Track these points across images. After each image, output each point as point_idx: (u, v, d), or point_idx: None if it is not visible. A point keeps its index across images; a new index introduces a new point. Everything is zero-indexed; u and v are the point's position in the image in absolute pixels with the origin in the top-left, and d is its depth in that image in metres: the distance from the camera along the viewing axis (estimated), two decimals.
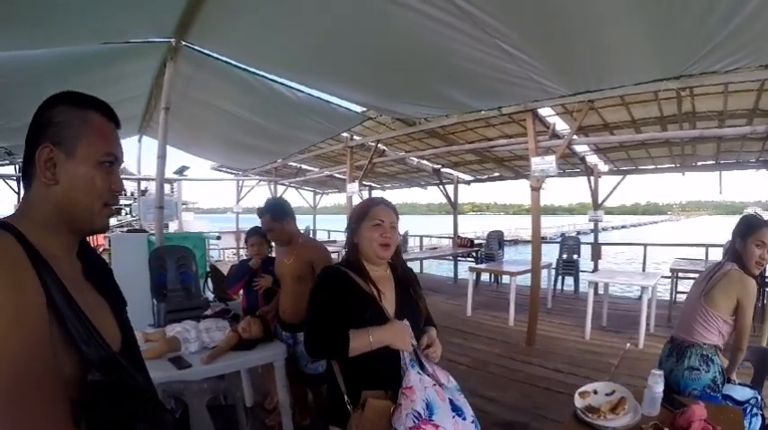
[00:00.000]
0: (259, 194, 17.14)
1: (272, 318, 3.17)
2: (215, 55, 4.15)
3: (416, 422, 1.48)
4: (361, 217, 1.88)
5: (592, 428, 1.75)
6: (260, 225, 3.27)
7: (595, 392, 2.06)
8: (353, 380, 1.71)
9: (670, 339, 2.56)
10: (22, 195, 1.01)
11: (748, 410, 2.25)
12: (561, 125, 6.97)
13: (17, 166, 11.42)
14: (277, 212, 3.06)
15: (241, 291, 3.67)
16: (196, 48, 3.94)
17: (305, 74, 4.38)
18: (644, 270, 9.25)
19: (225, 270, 5.15)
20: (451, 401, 1.65)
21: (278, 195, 13.91)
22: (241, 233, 15.17)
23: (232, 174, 13.51)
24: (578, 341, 5.69)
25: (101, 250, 17.55)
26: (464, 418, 1.63)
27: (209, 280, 5.21)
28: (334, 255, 11.40)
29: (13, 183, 11.48)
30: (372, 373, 1.68)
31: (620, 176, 10.15)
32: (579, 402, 1.98)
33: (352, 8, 2.78)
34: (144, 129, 7.70)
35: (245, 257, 4.09)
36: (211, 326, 2.88)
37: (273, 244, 3.44)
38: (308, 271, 2.92)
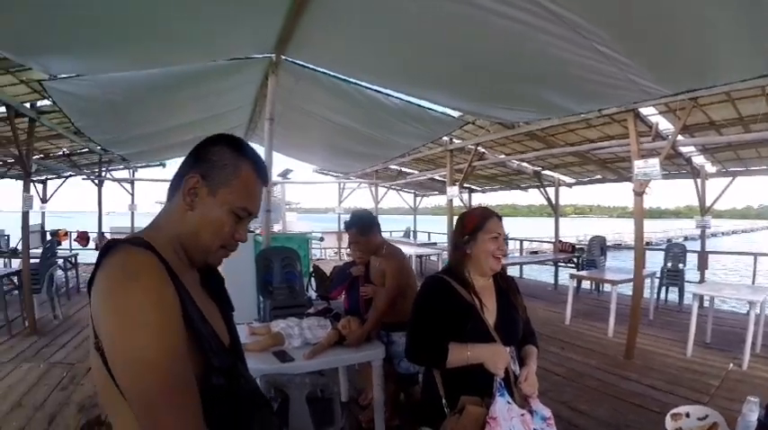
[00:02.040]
0: (361, 196, 17.65)
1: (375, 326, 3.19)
2: (312, 66, 4.35)
3: None
4: (477, 228, 1.91)
5: None
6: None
7: (687, 415, 1.99)
8: (452, 385, 1.78)
9: None
10: (164, 205, 1.10)
11: None
12: (664, 124, 6.63)
13: (131, 171, 12.75)
14: (363, 227, 3.22)
15: (343, 293, 3.83)
16: (295, 61, 4.16)
17: (401, 82, 4.51)
18: (753, 282, 8.62)
19: (327, 269, 5.36)
20: None
21: (378, 197, 14.27)
22: (343, 234, 15.78)
23: (333, 176, 14.03)
24: (679, 358, 5.40)
25: None
26: None
27: (313, 279, 5.43)
28: (433, 257, 11.57)
29: (128, 186, 12.76)
30: (470, 381, 1.74)
31: (730, 178, 9.40)
32: (670, 424, 1.93)
33: (447, 17, 2.83)
34: (249, 136, 8.19)
35: (346, 258, 4.26)
36: (314, 323, 3.02)
37: None
38: (383, 281, 3.11)
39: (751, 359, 5.03)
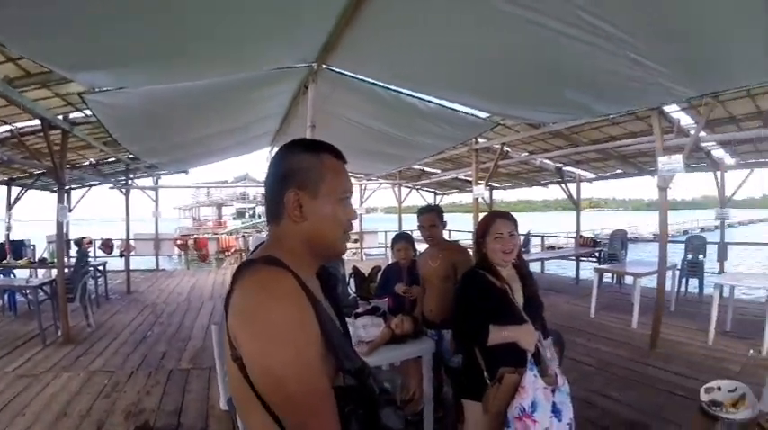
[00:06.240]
0: (382, 196, 17.83)
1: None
2: (351, 74, 4.44)
3: (520, 414, 1.96)
4: (484, 233, 2.33)
5: (715, 420, 1.96)
6: (409, 229, 3.66)
7: (719, 388, 2.25)
8: (491, 360, 2.15)
9: None
10: (269, 230, 1.17)
11: None
12: (686, 120, 6.79)
13: (155, 178, 12.86)
14: (441, 214, 3.52)
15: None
16: (335, 69, 4.25)
17: (441, 89, 4.61)
18: None
19: (365, 270, 5.58)
20: (555, 404, 2.06)
21: (401, 197, 14.43)
22: (364, 234, 16.03)
23: (355, 177, 13.93)
24: (701, 346, 5.61)
25: (232, 250, 19.21)
26: (560, 420, 2.05)
27: (352, 280, 5.58)
28: None
29: (152, 193, 12.95)
30: (506, 355, 2.12)
31: (748, 170, 9.51)
32: (705, 396, 2.19)
33: (485, 26, 2.96)
34: (276, 141, 8.24)
35: (391, 260, 4.44)
36: (368, 322, 3.16)
37: (415, 250, 3.94)
38: (452, 271, 3.25)
39: None
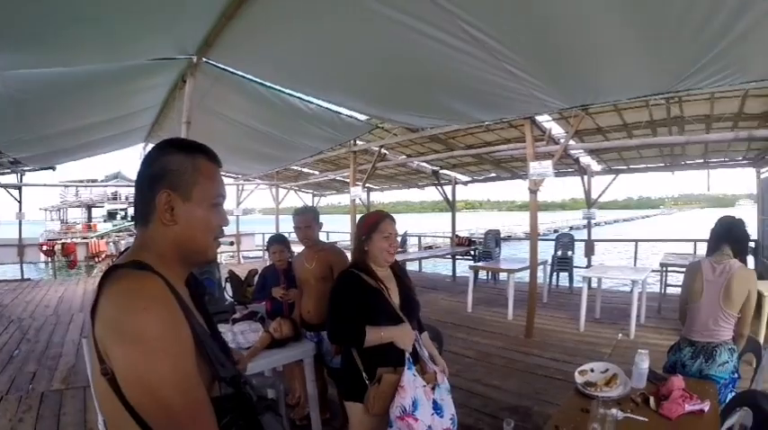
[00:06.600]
0: (259, 197, 17.35)
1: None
2: (231, 69, 4.30)
3: (402, 414, 1.97)
4: (372, 229, 2.29)
5: (590, 399, 2.08)
6: (280, 234, 3.61)
7: (592, 370, 2.47)
8: (369, 361, 2.15)
9: (689, 342, 2.73)
10: (137, 233, 1.10)
11: (729, 386, 2.58)
12: (557, 129, 7.31)
13: (18, 175, 11.54)
14: (317, 215, 3.47)
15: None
16: (216, 64, 4.10)
17: (322, 89, 4.58)
18: (635, 264, 9.71)
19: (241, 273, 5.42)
20: (435, 401, 2.13)
21: (278, 198, 14.22)
22: (242, 236, 15.54)
23: (232, 177, 13.53)
24: (574, 333, 6.08)
25: (103, 256, 17.82)
26: (442, 417, 2.12)
27: (228, 284, 5.44)
28: None
29: (15, 193, 11.65)
30: (383, 356, 2.13)
31: (613, 176, 10.53)
32: (579, 379, 2.37)
33: (368, 31, 3.01)
34: (151, 137, 7.74)
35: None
36: (246, 328, 3.11)
37: (291, 252, 3.89)
38: (328, 272, 3.24)
39: (636, 329, 5.85)
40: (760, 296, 4.20)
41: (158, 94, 5.30)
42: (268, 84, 4.56)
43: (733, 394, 2.53)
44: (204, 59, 3.93)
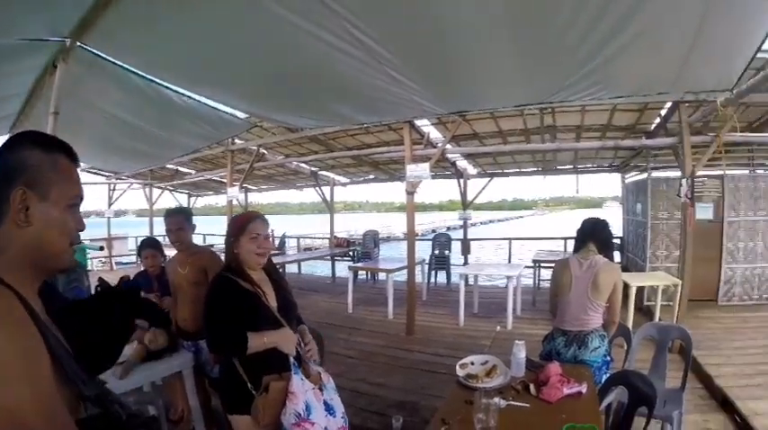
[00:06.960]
0: (133, 197, 16.11)
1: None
2: (105, 56, 3.96)
3: (297, 420, 1.94)
4: (239, 231, 2.19)
5: (473, 391, 2.15)
6: (150, 238, 3.37)
7: (472, 363, 2.59)
8: (252, 369, 2.06)
9: (562, 332, 2.94)
10: None
11: (603, 368, 2.82)
12: (435, 134, 7.55)
13: None
14: (190, 216, 3.28)
15: None
16: (91, 49, 3.74)
17: (195, 81, 4.39)
18: (510, 261, 10.22)
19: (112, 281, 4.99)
20: (326, 402, 2.12)
21: (153, 198, 13.37)
22: (113, 240, 14.30)
23: (104, 176, 12.40)
24: (454, 328, 6.33)
25: None
26: (335, 416, 2.13)
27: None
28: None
29: None
30: (266, 363, 2.06)
31: (488, 178, 11.12)
32: (460, 372, 2.46)
33: (252, 25, 2.93)
34: (15, 128, 6.98)
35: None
36: None
37: (164, 256, 3.65)
38: (203, 277, 3.07)
39: (513, 321, 6.24)
40: (626, 286, 4.61)
41: (25, 80, 4.71)
42: (143, 74, 4.27)
43: (607, 375, 2.75)
44: (78, 44, 3.57)
